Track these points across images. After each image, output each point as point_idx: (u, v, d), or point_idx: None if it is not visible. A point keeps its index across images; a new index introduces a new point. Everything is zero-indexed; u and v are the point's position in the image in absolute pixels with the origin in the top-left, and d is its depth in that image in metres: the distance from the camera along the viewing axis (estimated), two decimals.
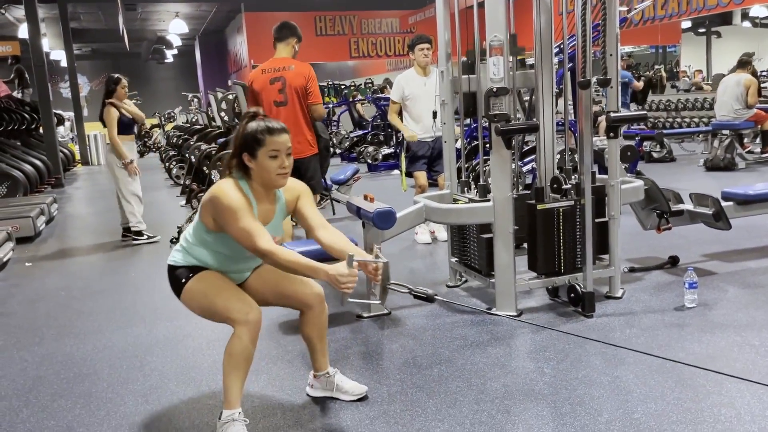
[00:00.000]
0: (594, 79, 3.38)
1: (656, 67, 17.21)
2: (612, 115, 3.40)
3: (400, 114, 5.38)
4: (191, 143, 9.95)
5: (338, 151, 12.83)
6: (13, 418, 2.69)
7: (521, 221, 3.52)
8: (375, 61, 20.83)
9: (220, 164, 6.27)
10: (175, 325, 3.68)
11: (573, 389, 2.62)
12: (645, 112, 4.89)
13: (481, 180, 3.85)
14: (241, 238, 2.26)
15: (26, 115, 11.68)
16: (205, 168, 7.48)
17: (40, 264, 5.59)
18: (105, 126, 5.85)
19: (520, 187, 4.09)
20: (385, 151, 11.06)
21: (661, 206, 4.12)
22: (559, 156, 3.64)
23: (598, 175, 3.63)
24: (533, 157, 5.92)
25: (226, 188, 2.30)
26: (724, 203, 4.16)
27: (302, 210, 2.52)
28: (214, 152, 7.48)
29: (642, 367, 2.80)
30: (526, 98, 4.15)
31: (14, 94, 12.10)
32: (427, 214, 3.72)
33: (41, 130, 12.34)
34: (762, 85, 9.55)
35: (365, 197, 3.79)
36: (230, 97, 8.20)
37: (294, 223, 5.07)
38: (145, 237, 6.05)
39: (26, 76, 12.57)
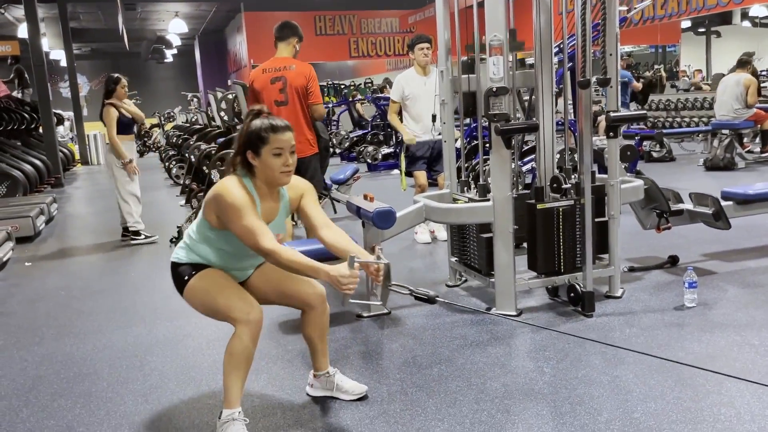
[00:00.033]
0: (594, 79, 3.39)
1: (656, 66, 17.20)
2: (612, 114, 3.40)
3: (400, 114, 5.38)
4: (191, 143, 9.95)
5: (338, 151, 12.83)
6: (13, 417, 2.69)
7: (521, 221, 3.52)
8: (375, 61, 20.83)
9: (219, 164, 6.27)
10: (175, 325, 3.68)
11: (573, 389, 2.63)
12: (644, 111, 4.89)
13: (480, 179, 3.85)
14: (244, 235, 2.26)
15: (26, 115, 11.67)
16: (204, 168, 7.47)
17: (39, 264, 5.59)
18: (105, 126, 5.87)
19: (520, 187, 4.10)
20: (385, 150, 11.06)
21: (661, 206, 4.12)
22: (558, 155, 3.64)
23: (597, 175, 3.63)
24: (533, 156, 5.92)
25: (230, 186, 2.31)
26: (723, 203, 4.16)
27: (306, 208, 2.52)
28: (213, 152, 7.47)
29: (642, 366, 2.80)
30: (526, 98, 4.15)
31: (14, 93, 12.11)
32: (426, 214, 3.72)
33: (41, 130, 12.33)
34: (762, 85, 9.55)
35: (365, 197, 3.79)
36: (230, 96, 8.21)
37: (294, 223, 5.07)
38: (143, 237, 6.05)
39: (26, 75, 12.57)
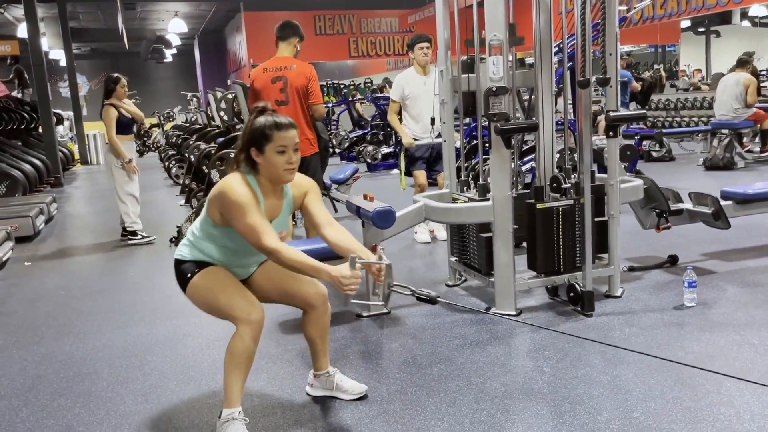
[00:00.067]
0: (593, 79, 3.39)
1: (656, 66, 17.21)
2: (611, 114, 3.41)
3: (399, 114, 5.38)
4: (190, 142, 9.94)
5: (337, 150, 12.83)
6: (12, 417, 2.69)
7: (520, 220, 3.52)
8: (374, 61, 20.83)
9: (219, 163, 6.27)
10: (175, 325, 3.68)
11: (572, 388, 2.63)
12: (644, 111, 4.90)
13: (480, 179, 3.85)
14: (247, 233, 2.26)
15: (25, 115, 11.67)
16: (204, 167, 7.46)
17: (39, 263, 5.59)
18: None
19: (520, 187, 4.09)
20: (385, 150, 11.05)
21: (661, 205, 4.12)
22: (558, 155, 3.64)
23: (597, 175, 3.63)
24: (533, 156, 5.92)
25: (233, 183, 2.31)
26: (723, 202, 4.16)
27: (309, 206, 2.51)
28: (213, 151, 7.47)
29: (641, 366, 2.80)
30: (526, 97, 4.15)
31: (13, 93, 12.10)
32: (426, 213, 3.72)
33: (40, 130, 12.33)
34: (761, 85, 9.56)
35: (365, 196, 3.79)
36: (229, 96, 8.20)
37: (294, 223, 5.07)
38: (140, 237, 6.05)
39: (25, 75, 12.55)
